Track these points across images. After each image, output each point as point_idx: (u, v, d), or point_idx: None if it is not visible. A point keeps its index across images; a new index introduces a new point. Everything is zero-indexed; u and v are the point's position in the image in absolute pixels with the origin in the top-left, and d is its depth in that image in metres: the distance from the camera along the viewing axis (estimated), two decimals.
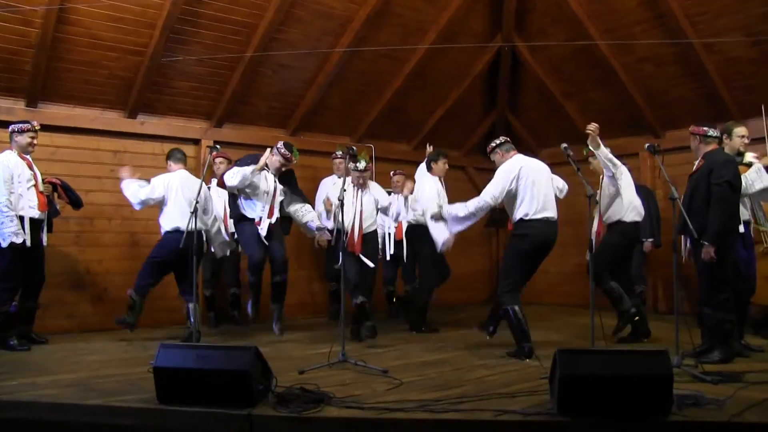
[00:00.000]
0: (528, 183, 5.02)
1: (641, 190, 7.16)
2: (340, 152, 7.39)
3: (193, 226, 4.78)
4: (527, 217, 4.99)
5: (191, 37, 6.36)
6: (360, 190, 6.04)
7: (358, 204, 5.97)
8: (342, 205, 4.72)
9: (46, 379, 4.11)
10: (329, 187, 7.30)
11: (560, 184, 5.63)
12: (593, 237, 6.06)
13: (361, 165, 5.89)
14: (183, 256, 5.27)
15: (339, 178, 7.46)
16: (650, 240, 7.08)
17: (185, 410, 3.33)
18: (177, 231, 5.47)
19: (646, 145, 4.66)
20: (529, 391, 3.72)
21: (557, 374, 3.14)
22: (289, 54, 6.96)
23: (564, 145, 4.84)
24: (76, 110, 6.52)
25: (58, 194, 5.74)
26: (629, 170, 5.93)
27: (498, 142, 5.30)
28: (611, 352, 3.14)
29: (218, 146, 5.30)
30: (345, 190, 4.77)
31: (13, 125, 5.44)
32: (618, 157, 5.71)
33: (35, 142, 5.45)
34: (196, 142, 7.23)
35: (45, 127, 6.15)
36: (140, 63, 6.35)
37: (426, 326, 6.52)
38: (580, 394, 3.08)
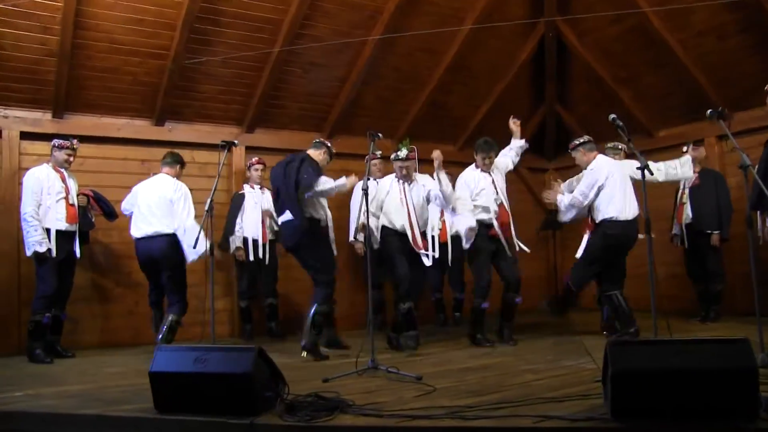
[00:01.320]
0: (616, 182, 5.31)
1: (709, 174, 6.52)
2: (379, 153, 7.03)
3: (210, 230, 4.49)
4: (617, 218, 5.27)
5: (214, 37, 6.11)
6: (406, 184, 5.44)
7: (408, 199, 5.39)
8: (366, 194, 4.29)
9: (52, 389, 3.85)
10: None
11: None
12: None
13: (402, 153, 5.35)
14: (154, 264, 5.41)
15: (374, 181, 7.07)
16: (717, 232, 6.31)
17: (182, 419, 2.97)
18: (136, 239, 5.47)
19: (708, 111, 4.05)
20: (581, 395, 3.18)
21: (609, 371, 2.61)
22: (318, 52, 6.65)
23: (613, 115, 4.30)
24: (102, 119, 6.37)
25: (91, 206, 5.64)
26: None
27: (582, 140, 5.58)
28: (675, 342, 2.58)
29: (236, 141, 4.98)
30: (369, 178, 4.37)
31: (55, 139, 5.51)
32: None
33: (71, 159, 5.53)
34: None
35: (72, 138, 6.05)
36: (163, 67, 6.15)
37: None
38: (638, 394, 2.54)
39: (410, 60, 7.25)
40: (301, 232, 5.03)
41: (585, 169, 5.56)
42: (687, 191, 6.50)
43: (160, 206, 5.38)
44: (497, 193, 5.65)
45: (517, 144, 5.98)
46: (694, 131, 7.30)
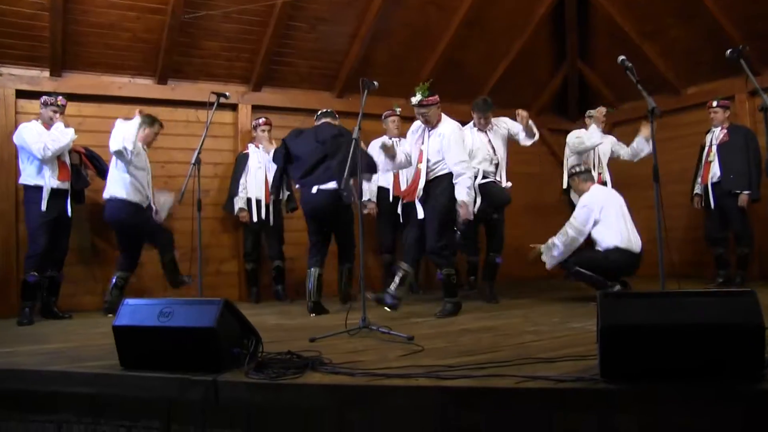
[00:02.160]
0: (610, 213, 5.22)
1: (739, 131, 6.13)
2: (398, 109, 6.83)
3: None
4: (620, 247, 5.12)
5: None
6: (426, 129, 4.99)
7: (424, 146, 4.95)
8: (357, 143, 4.01)
9: (30, 348, 3.73)
10: (377, 150, 6.79)
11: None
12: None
13: (415, 99, 4.91)
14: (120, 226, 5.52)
15: (390, 140, 6.85)
16: (747, 192, 5.89)
17: (144, 375, 2.80)
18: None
19: (728, 51, 3.68)
20: (578, 356, 2.92)
21: (598, 326, 2.35)
22: (325, 6, 6.39)
23: (622, 57, 3.97)
24: (102, 78, 6.21)
25: (84, 164, 5.52)
26: None
27: (579, 169, 5.63)
28: (672, 294, 2.30)
29: (227, 93, 4.75)
30: (360, 129, 4.09)
31: (44, 96, 5.35)
32: None
33: (58, 116, 5.31)
34: (233, 107, 6.78)
35: (71, 97, 5.95)
36: (162, 22, 5.94)
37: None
38: (630, 352, 2.28)
39: (422, 14, 6.92)
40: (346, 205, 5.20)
41: (579, 197, 5.51)
42: (714, 148, 6.10)
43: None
44: (494, 153, 5.51)
45: (523, 135, 5.68)
46: (725, 88, 6.87)
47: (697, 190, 6.31)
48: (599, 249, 5.24)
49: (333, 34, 6.74)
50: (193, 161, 4.30)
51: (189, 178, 4.30)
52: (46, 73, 5.92)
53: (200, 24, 6.09)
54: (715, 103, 6.18)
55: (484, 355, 3.06)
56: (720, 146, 6.05)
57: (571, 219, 5.34)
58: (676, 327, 2.22)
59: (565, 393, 2.30)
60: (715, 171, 6.05)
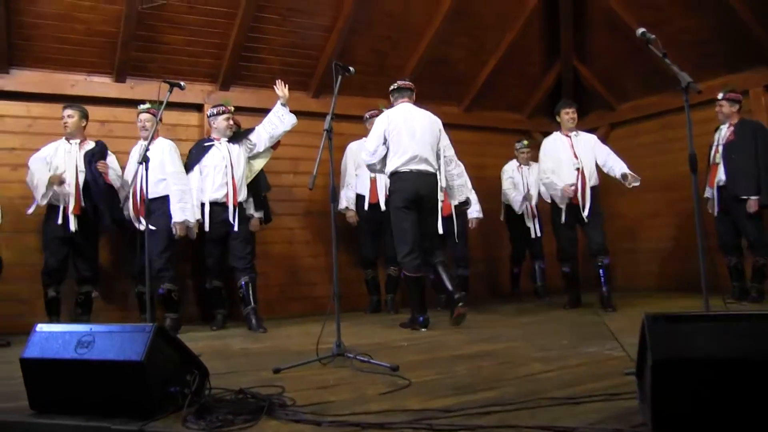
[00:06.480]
0: (396, 132, 4.81)
1: (747, 127, 5.59)
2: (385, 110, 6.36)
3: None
4: (397, 170, 4.78)
5: None
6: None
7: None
8: (330, 136, 3.40)
9: None
10: (356, 152, 6.30)
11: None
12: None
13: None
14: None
15: None
16: (755, 198, 5.33)
17: (55, 423, 2.18)
18: None
19: None
20: (605, 393, 2.31)
21: (648, 360, 1.76)
22: None
23: (641, 29, 3.44)
24: (54, 75, 5.59)
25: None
26: None
27: (392, 87, 5.18)
28: (746, 317, 1.72)
29: (182, 84, 4.10)
30: (333, 119, 3.50)
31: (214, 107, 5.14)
32: None
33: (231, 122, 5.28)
34: (198, 108, 6.18)
35: (19, 96, 5.40)
36: (119, 13, 5.35)
37: None
38: (692, 395, 1.69)
39: (403, 5, 6.40)
40: None
41: None
42: (721, 148, 5.58)
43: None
44: None
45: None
46: (738, 82, 6.29)
47: (707, 194, 5.78)
48: None
49: (307, 26, 6.19)
50: (139, 160, 3.67)
51: (133, 180, 3.67)
52: None
53: (161, 15, 5.53)
54: (720, 96, 5.64)
55: (486, 392, 2.45)
56: (726, 146, 5.52)
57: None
58: (756, 361, 1.63)
59: None
60: (721, 174, 5.53)
